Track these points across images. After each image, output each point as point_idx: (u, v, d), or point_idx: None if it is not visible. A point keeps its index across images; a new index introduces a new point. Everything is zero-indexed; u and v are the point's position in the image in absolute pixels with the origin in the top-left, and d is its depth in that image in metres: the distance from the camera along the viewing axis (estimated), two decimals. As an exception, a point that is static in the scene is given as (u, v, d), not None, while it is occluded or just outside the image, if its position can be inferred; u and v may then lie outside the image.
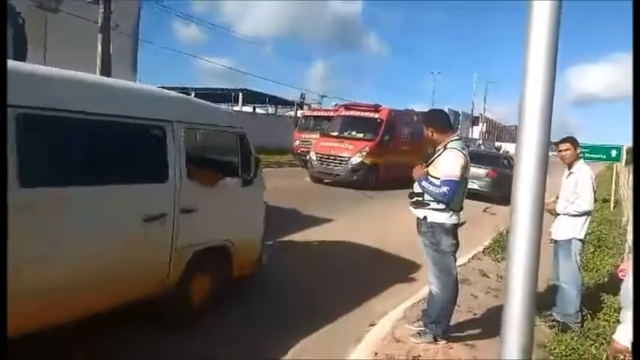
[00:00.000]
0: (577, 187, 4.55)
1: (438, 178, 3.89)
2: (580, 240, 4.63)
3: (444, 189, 3.82)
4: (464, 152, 3.99)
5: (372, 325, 4.53)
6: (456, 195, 3.88)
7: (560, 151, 4.73)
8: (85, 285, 3.23)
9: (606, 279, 6.02)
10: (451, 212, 3.94)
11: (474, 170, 15.24)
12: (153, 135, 3.74)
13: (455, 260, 4.14)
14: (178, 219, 3.81)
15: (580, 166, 4.69)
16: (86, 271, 3.22)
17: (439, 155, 4.02)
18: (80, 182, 3.22)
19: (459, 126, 55.66)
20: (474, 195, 11.83)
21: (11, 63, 2.79)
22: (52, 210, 3.02)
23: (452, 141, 4.05)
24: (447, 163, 3.92)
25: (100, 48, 12.55)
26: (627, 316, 2.26)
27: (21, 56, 5.83)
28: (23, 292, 2.73)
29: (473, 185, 11.61)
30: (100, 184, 3.36)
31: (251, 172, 4.74)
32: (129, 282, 3.58)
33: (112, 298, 3.49)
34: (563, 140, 4.77)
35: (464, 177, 3.97)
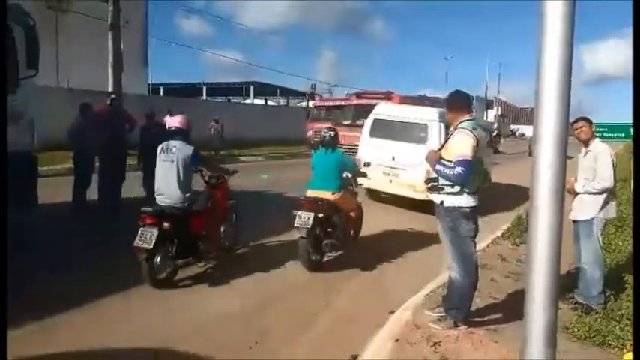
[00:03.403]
0: (596, 164, 4.49)
1: (451, 161, 3.86)
2: (604, 219, 4.58)
3: (458, 170, 3.79)
4: (474, 133, 3.94)
5: (392, 312, 4.54)
6: (470, 176, 3.85)
7: (576, 129, 4.68)
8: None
9: (628, 259, 5.92)
10: (467, 195, 3.91)
11: None
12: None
13: (475, 245, 4.11)
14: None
15: (597, 143, 4.64)
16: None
17: (450, 137, 4.01)
18: None
19: (474, 110, 55.03)
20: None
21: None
22: None
23: (463, 122, 4.02)
24: (458, 144, 3.90)
25: (110, 45, 12.63)
26: None
27: (33, 56, 5.87)
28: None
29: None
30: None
31: (491, 143, 11.13)
32: None
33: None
34: (578, 120, 4.75)
35: (477, 158, 3.93)
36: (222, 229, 5.93)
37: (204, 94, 40.66)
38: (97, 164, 8.40)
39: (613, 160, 4.55)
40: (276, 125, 28.30)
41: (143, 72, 27.21)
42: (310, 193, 5.89)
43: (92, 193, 8.13)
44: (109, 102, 9.12)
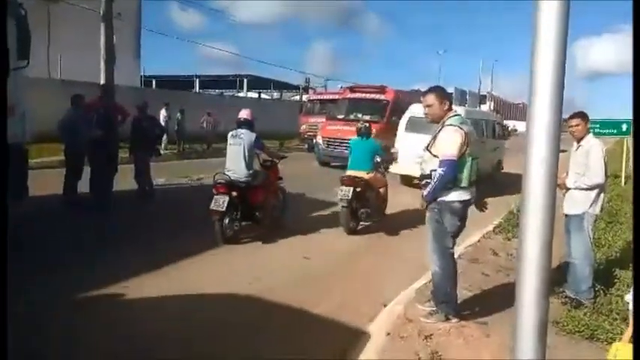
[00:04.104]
0: (587, 159, 4.49)
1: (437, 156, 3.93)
2: (594, 214, 4.59)
3: (439, 171, 3.86)
4: (463, 128, 3.94)
5: (384, 305, 4.56)
6: (459, 173, 3.88)
7: (571, 126, 4.66)
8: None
9: (618, 254, 5.98)
10: (460, 189, 3.93)
11: None
12: (495, 125, 14.62)
13: (454, 241, 4.15)
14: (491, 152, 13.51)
15: (589, 139, 4.62)
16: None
17: (437, 134, 4.02)
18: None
19: (467, 106, 55.19)
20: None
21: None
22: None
23: (450, 117, 4.02)
24: (443, 143, 3.93)
25: (102, 37, 12.49)
26: None
27: (24, 47, 5.80)
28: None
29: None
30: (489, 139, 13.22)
31: (504, 135, 15.33)
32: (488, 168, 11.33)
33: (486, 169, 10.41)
34: (574, 116, 4.69)
35: (468, 153, 3.93)
36: (273, 202, 7.16)
37: (197, 87, 40.43)
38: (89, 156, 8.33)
39: (604, 156, 4.57)
40: (269, 119, 28.18)
41: (135, 64, 26.99)
42: (349, 172, 7.37)
43: (84, 186, 8.08)
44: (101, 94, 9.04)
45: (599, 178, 4.47)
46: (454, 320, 4.07)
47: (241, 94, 39.68)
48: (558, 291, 4.76)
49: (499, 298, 4.56)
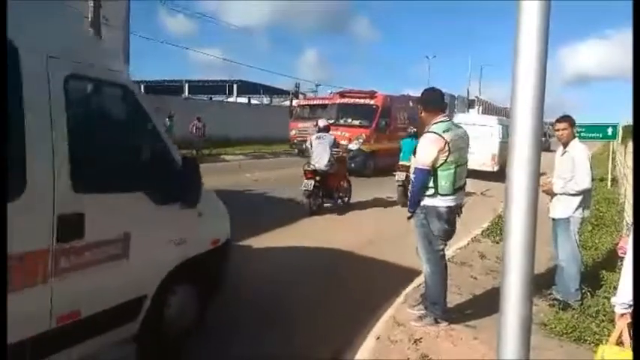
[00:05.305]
0: (573, 165, 4.52)
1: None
2: (581, 217, 4.62)
3: (412, 177, 3.97)
4: (444, 136, 3.89)
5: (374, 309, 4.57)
6: (441, 181, 3.89)
7: (558, 130, 4.69)
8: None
9: (605, 257, 6.03)
10: (442, 196, 3.92)
11: None
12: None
13: (444, 244, 4.16)
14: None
15: (575, 144, 4.65)
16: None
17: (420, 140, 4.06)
18: None
19: (455, 110, 55.56)
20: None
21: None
22: None
23: (435, 123, 4.01)
24: (418, 152, 3.98)
25: (91, 42, 12.41)
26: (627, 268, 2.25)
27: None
28: None
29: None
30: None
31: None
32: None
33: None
34: (561, 119, 4.71)
35: (451, 161, 3.90)
36: (344, 186, 9.89)
37: (186, 92, 40.25)
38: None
39: (590, 161, 4.60)
40: (259, 124, 28.17)
41: (124, 69, 26.81)
42: (401, 163, 10.04)
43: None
44: None
45: (585, 183, 4.49)
46: (443, 323, 4.09)
47: (231, 100, 39.58)
48: (546, 293, 4.79)
49: (487, 301, 4.58)
